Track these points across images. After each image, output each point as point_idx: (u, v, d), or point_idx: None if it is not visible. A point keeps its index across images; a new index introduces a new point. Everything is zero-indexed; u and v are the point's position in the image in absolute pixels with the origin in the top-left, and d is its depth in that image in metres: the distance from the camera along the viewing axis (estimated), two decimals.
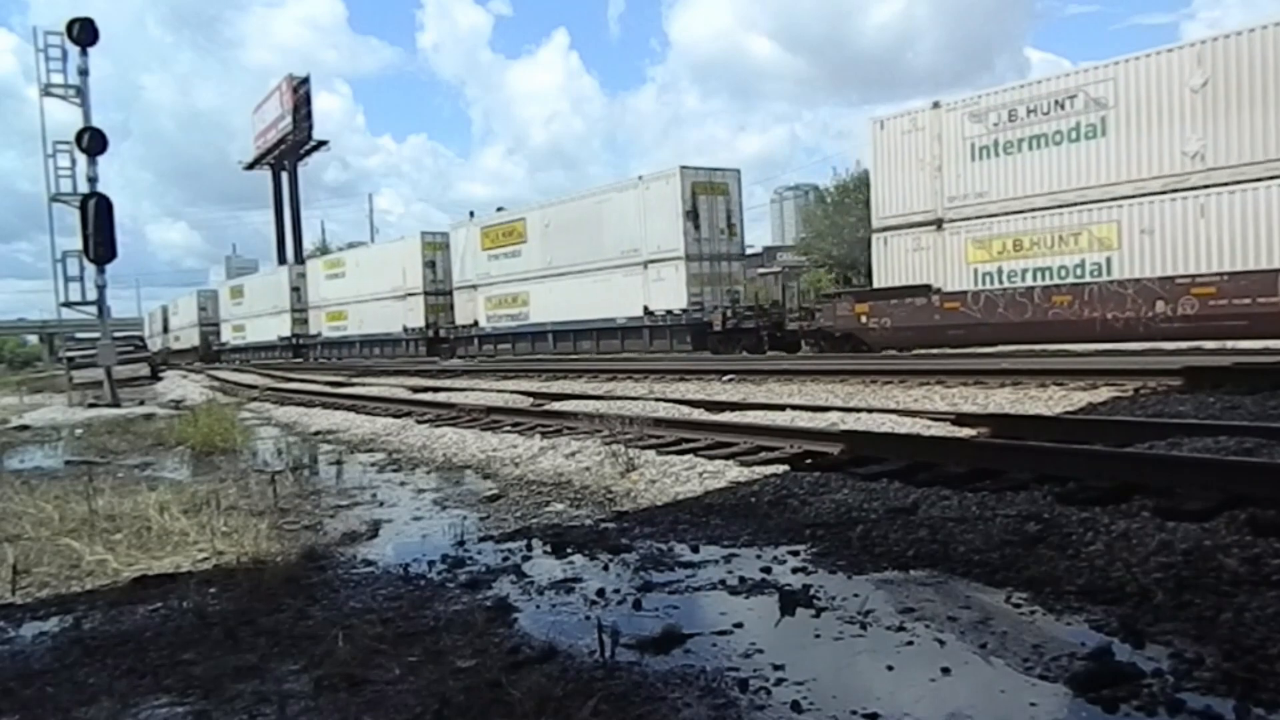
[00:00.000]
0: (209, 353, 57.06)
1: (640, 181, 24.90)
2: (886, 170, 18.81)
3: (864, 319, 18.74)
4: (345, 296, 40.74)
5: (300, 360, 42.22)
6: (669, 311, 24.13)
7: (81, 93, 15.28)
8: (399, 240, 37.96)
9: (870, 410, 7.53)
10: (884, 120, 18.77)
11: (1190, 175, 14.51)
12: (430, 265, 34.93)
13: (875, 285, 19.04)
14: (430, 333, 34.43)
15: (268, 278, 52.27)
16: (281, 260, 58.05)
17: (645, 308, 24.69)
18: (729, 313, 23.00)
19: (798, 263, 34.99)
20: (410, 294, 35.63)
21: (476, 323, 31.81)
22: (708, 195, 24.07)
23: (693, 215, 23.62)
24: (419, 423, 9.31)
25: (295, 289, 46.27)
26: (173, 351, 63.85)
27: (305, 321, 45.24)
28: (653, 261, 24.46)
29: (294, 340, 45.81)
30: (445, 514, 4.93)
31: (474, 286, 31.87)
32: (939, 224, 17.82)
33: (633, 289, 25.05)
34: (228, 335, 55.35)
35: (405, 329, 35.93)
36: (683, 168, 23.79)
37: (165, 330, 70.02)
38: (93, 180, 15.12)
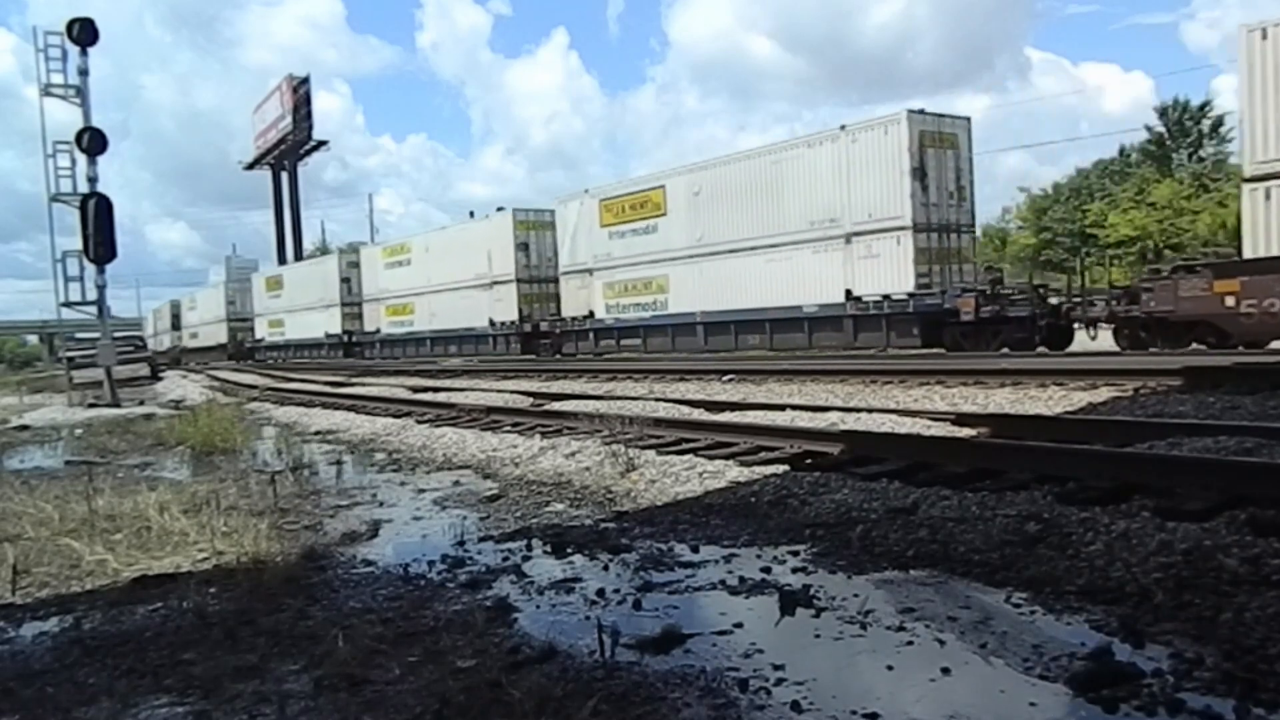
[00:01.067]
0: (240, 350, 51.91)
1: (844, 132, 19.27)
2: (1269, 95, 13.32)
3: (1231, 300, 13.58)
4: (411, 287, 34.81)
5: (351, 360, 37.10)
6: (886, 297, 18.57)
7: (81, 93, 15.28)
8: (483, 220, 31.71)
9: (870, 410, 7.52)
10: (1267, 27, 13.40)
11: None
12: (523, 248, 29.27)
13: (1250, 254, 13.86)
14: (526, 326, 29.10)
15: (312, 268, 45.44)
16: (282, 260, 57.80)
17: (848, 292, 19.22)
18: (985, 296, 17.44)
19: None
20: (499, 281, 29.92)
21: (592, 314, 26.59)
22: (936, 149, 18.46)
23: (920, 174, 18.14)
24: (419, 423, 9.31)
25: (345, 280, 40.28)
26: (189, 350, 59.25)
27: (359, 317, 39.51)
28: (859, 234, 18.95)
29: (345, 338, 40.24)
30: (445, 514, 4.93)
31: (589, 271, 26.54)
32: None
33: (829, 269, 19.51)
34: (263, 331, 49.32)
35: (493, 323, 30.33)
36: (910, 112, 18.24)
37: (176, 327, 64.82)
38: (93, 180, 15.13)
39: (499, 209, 31.90)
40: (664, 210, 24.09)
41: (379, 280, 37.64)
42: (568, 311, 27.77)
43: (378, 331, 37.79)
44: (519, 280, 29.43)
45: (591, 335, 26.99)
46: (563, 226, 27.89)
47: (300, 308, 44.47)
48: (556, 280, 28.54)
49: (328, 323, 41.58)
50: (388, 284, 36.97)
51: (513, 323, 29.67)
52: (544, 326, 28.75)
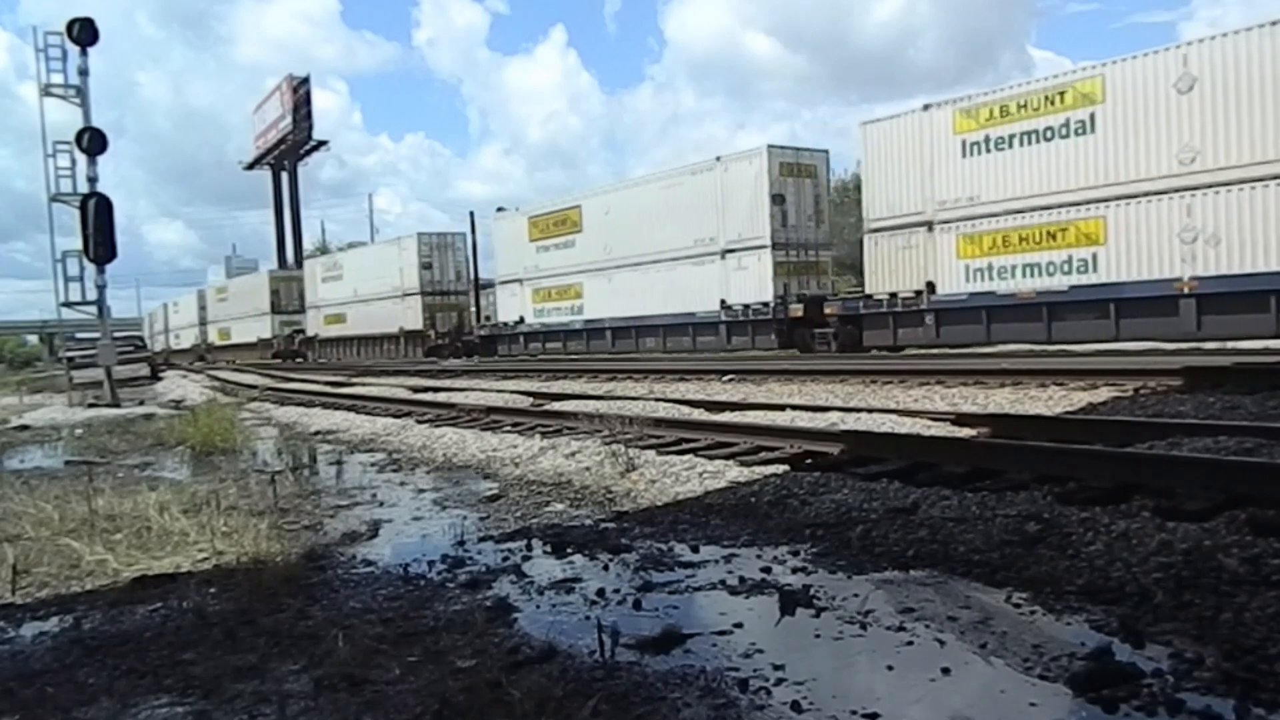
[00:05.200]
0: (455, 341, 33.02)
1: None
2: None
3: None
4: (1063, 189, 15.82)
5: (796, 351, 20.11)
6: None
7: (81, 93, 15.28)
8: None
9: (870, 410, 7.52)
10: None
11: None
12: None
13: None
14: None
15: (673, 185, 23.78)
16: (282, 262, 57.46)
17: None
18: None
19: None
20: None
21: None
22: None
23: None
24: (419, 423, 9.31)
25: (779, 199, 21.18)
26: (325, 341, 40.94)
27: (813, 269, 21.74)
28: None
29: (791, 308, 20.37)
30: (445, 514, 4.93)
31: None
32: None
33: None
34: (523, 309, 29.62)
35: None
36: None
37: (280, 309, 46.47)
38: (93, 180, 15.12)
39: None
40: None
41: (951, 181, 17.54)
42: None
43: (922, 292, 17.99)
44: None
45: None
46: None
47: (632, 260, 24.96)
48: None
49: (726, 284, 22.14)
50: (974, 187, 17.22)
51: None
52: None
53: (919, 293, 18.02)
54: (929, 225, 17.90)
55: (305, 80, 58.11)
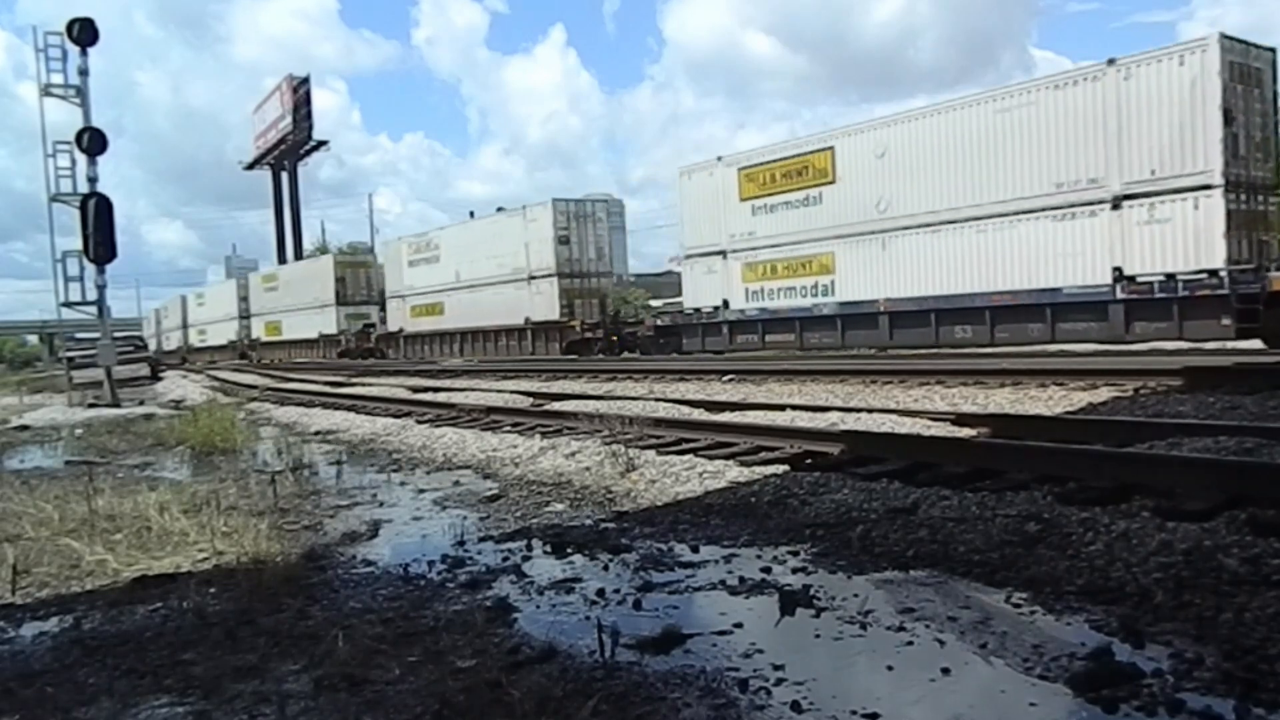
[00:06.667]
0: (612, 333, 25.71)
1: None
2: None
3: None
4: None
5: None
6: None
7: (82, 93, 15.28)
8: None
9: (870, 410, 7.52)
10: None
11: None
12: None
13: None
14: None
15: (1028, 104, 16.08)
16: (282, 262, 57.32)
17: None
18: None
19: None
20: None
21: None
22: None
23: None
24: (419, 423, 9.31)
25: (1229, 115, 13.86)
26: (396, 335, 33.69)
27: None
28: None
29: (1251, 283, 13.66)
30: (445, 514, 4.93)
31: None
32: None
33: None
34: (716, 290, 22.06)
35: None
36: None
37: (346, 299, 38.63)
38: (93, 180, 15.13)
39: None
40: None
41: None
42: None
43: None
44: None
45: None
46: None
47: (930, 218, 17.79)
48: None
49: (1123, 245, 15.09)
50: None
51: None
52: None
53: None
54: None
55: (305, 80, 58.13)
